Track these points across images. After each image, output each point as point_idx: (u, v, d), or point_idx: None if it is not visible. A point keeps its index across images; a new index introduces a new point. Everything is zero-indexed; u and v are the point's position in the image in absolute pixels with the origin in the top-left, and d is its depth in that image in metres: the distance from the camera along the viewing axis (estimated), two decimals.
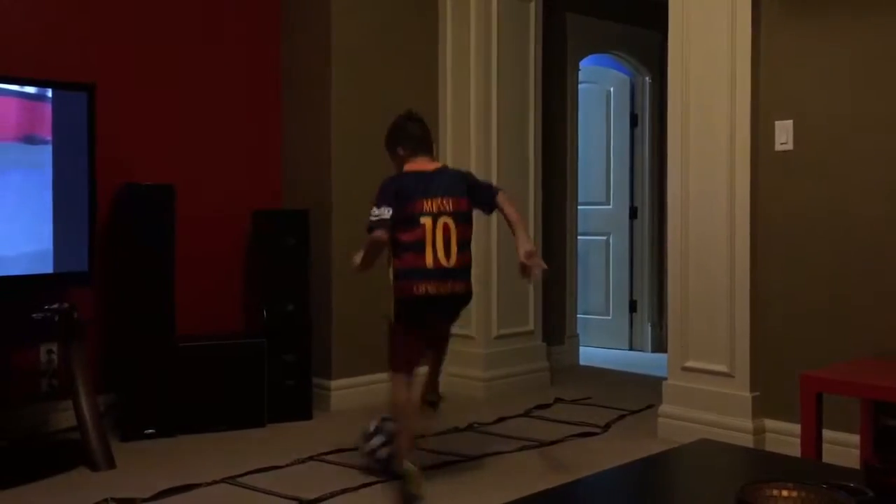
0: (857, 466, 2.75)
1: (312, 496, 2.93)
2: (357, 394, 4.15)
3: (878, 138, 3.17)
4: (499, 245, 4.42)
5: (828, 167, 3.30)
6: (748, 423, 3.42)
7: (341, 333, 4.18)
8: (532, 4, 4.73)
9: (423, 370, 3.23)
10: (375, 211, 2.92)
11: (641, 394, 4.39)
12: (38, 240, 3.35)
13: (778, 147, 3.42)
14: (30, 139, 3.34)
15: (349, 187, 4.22)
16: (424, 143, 3.11)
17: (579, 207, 5.63)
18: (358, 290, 4.12)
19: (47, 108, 3.37)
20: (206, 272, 4.12)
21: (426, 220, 2.92)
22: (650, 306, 6.02)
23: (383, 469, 3.05)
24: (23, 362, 3.54)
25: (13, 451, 3.39)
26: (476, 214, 3.12)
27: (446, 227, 2.93)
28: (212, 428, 3.74)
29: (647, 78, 6.01)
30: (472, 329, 4.45)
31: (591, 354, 5.73)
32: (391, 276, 2.97)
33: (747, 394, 3.45)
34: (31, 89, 3.35)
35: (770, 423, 3.44)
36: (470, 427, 3.83)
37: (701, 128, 3.58)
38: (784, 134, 3.41)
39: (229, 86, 4.28)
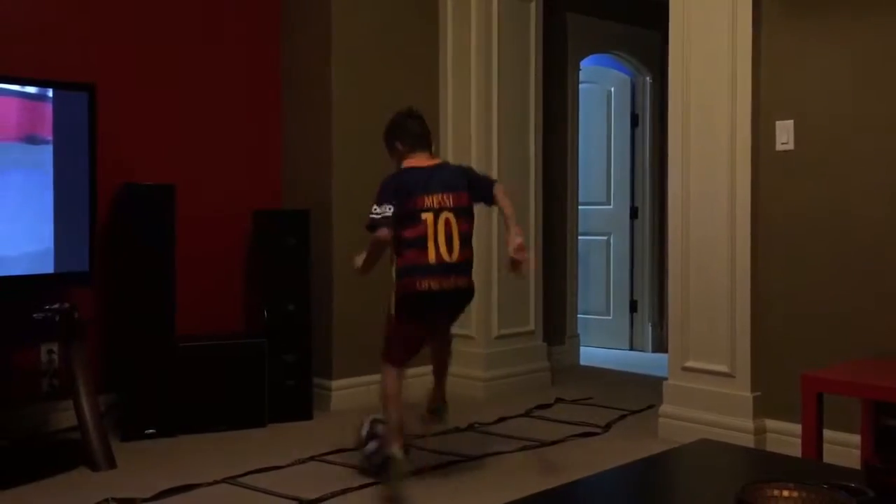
0: (858, 466, 2.75)
1: (313, 496, 2.93)
2: (358, 394, 4.15)
3: (879, 138, 3.17)
4: (499, 244, 4.41)
5: (828, 167, 3.30)
6: (749, 424, 3.42)
7: (342, 333, 4.18)
8: (533, 4, 4.73)
9: (415, 373, 3.23)
10: (377, 209, 2.93)
11: (642, 394, 4.39)
12: (38, 240, 3.35)
13: (779, 147, 3.42)
14: (31, 139, 3.34)
15: (350, 187, 4.22)
16: (424, 139, 3.11)
17: (580, 207, 5.63)
18: (359, 290, 4.12)
19: (48, 108, 3.37)
20: (206, 272, 4.12)
21: (427, 216, 2.92)
22: (651, 306, 6.02)
23: (380, 472, 3.04)
24: (23, 362, 3.55)
25: (14, 451, 3.39)
26: (477, 211, 3.12)
27: (448, 223, 2.93)
28: (212, 428, 3.74)
29: (647, 78, 6.01)
30: (472, 329, 4.45)
31: (591, 354, 5.72)
32: (394, 273, 2.97)
33: (748, 394, 3.45)
34: (31, 89, 3.35)
35: (771, 424, 3.44)
36: (471, 427, 3.83)
37: (702, 128, 3.58)
38: (785, 134, 3.40)
39: (230, 86, 4.28)
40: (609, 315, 6.10)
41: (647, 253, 6.00)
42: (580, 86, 5.63)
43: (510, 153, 4.62)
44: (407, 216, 2.92)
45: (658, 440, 3.58)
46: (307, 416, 3.97)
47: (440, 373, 3.28)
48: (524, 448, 3.52)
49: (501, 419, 3.99)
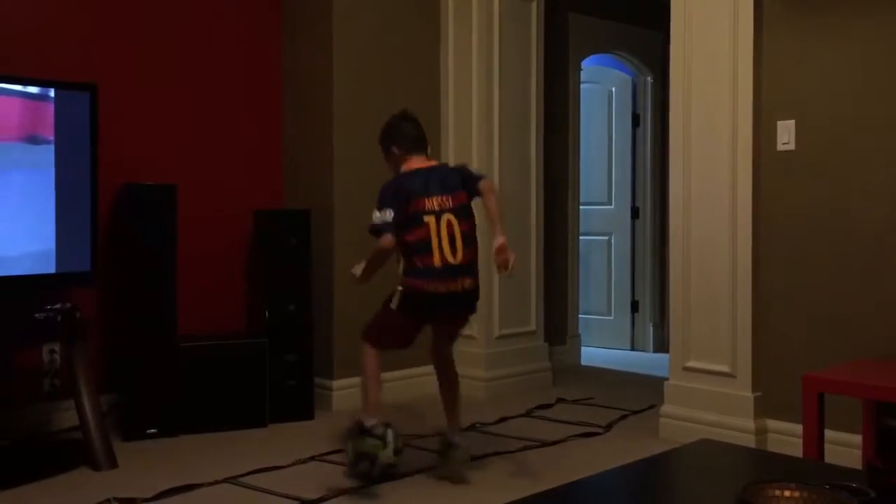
0: (860, 467, 2.75)
1: (314, 496, 2.93)
2: (359, 394, 4.14)
3: (881, 139, 3.17)
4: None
5: (830, 167, 3.30)
6: (750, 424, 3.42)
7: (343, 333, 4.18)
8: (534, 4, 4.73)
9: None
10: (377, 214, 2.93)
11: (643, 394, 4.39)
12: (40, 240, 3.35)
13: (780, 147, 3.42)
14: (32, 139, 3.34)
15: (351, 187, 4.22)
16: (419, 142, 3.11)
17: (581, 207, 5.63)
18: (360, 290, 4.09)
19: (50, 108, 3.37)
20: (207, 272, 4.12)
21: (429, 219, 2.93)
22: (652, 306, 6.02)
23: (370, 477, 3.03)
24: (25, 362, 3.55)
25: (15, 451, 3.40)
26: (478, 212, 3.12)
27: (450, 224, 2.94)
28: (213, 428, 3.74)
29: (648, 78, 6.01)
30: (473, 329, 4.45)
31: (592, 354, 5.73)
32: (400, 270, 2.97)
33: (749, 394, 3.45)
34: (33, 89, 3.35)
35: (772, 424, 3.44)
36: (472, 427, 3.83)
37: (703, 128, 3.58)
38: (786, 134, 3.40)
39: (231, 86, 4.28)
40: (610, 315, 6.11)
41: (648, 253, 6.00)
42: (581, 86, 5.63)
43: (511, 153, 4.62)
44: (409, 220, 2.92)
45: (659, 440, 3.58)
46: (308, 415, 3.97)
47: (450, 394, 3.18)
48: (525, 448, 3.52)
49: (502, 419, 3.99)
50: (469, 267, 2.98)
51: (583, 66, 5.65)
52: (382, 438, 2.91)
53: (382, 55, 4.41)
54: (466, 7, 4.54)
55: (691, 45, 3.61)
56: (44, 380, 3.63)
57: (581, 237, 5.68)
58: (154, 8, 4.03)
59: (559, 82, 5.30)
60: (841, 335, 3.24)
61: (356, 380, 4.19)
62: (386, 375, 4.08)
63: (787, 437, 3.30)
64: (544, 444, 3.58)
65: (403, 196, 2.94)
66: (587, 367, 5.44)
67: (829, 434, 2.87)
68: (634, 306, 6.05)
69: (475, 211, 3.09)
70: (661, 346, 5.76)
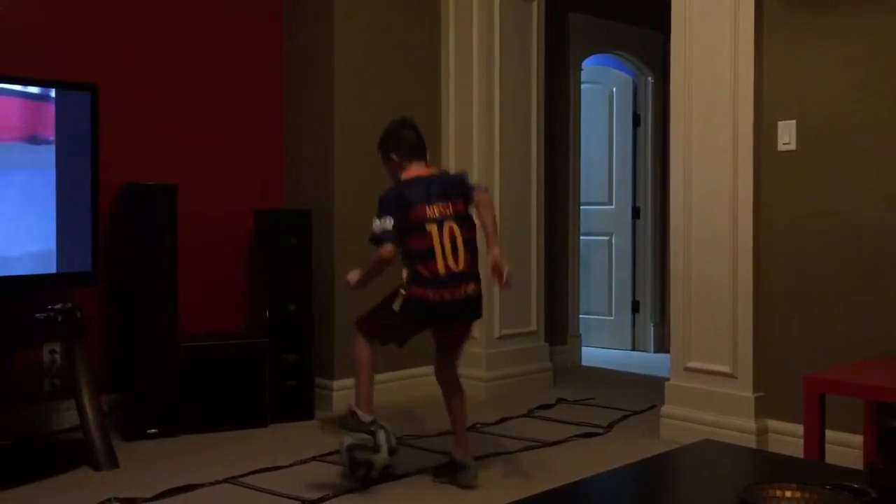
0: (861, 467, 2.75)
1: (315, 496, 2.93)
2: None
3: (882, 139, 3.17)
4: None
5: (831, 167, 3.29)
6: (751, 424, 3.42)
7: (343, 333, 4.17)
8: (535, 4, 4.73)
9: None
10: (377, 222, 2.92)
11: (644, 394, 4.39)
12: (41, 240, 3.35)
13: (781, 147, 3.42)
14: (33, 139, 3.34)
15: (351, 187, 4.22)
16: (419, 148, 3.10)
17: (582, 207, 5.63)
18: (360, 291, 4.11)
19: (51, 108, 3.37)
20: (208, 272, 4.12)
21: (431, 227, 2.92)
22: (652, 306, 6.02)
23: (366, 478, 3.04)
24: (26, 362, 3.55)
25: (16, 451, 3.40)
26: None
27: (452, 232, 2.94)
28: (214, 428, 3.74)
29: (649, 78, 6.01)
30: (474, 329, 4.42)
31: (593, 355, 5.72)
32: (404, 279, 2.96)
33: (750, 394, 3.45)
34: (34, 89, 3.35)
35: (773, 424, 3.44)
36: (473, 427, 3.82)
37: (703, 128, 3.58)
38: (787, 134, 3.40)
39: (232, 86, 4.28)
40: (611, 315, 6.11)
41: (648, 253, 6.00)
42: (582, 86, 5.63)
43: (512, 153, 4.62)
44: (411, 228, 2.92)
45: (660, 441, 3.58)
46: (309, 416, 3.97)
47: (457, 412, 3.14)
48: (526, 448, 3.52)
49: (503, 419, 3.99)
50: (471, 273, 2.99)
51: (583, 66, 5.65)
52: (375, 443, 2.94)
53: (383, 55, 4.41)
54: (467, 7, 4.54)
55: (692, 45, 3.61)
56: (44, 380, 3.63)
57: (582, 237, 5.68)
58: (155, 9, 4.03)
59: (560, 82, 5.30)
60: (842, 335, 3.24)
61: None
62: (385, 376, 4.11)
63: (787, 438, 3.30)
64: (545, 445, 3.58)
65: (404, 204, 2.93)
66: (588, 368, 5.44)
67: (829, 434, 2.88)
68: (635, 306, 6.05)
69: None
70: (662, 346, 5.76)
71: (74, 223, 3.42)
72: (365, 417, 2.99)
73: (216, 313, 4.15)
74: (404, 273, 2.96)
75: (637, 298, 6.05)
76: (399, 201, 2.94)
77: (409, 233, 2.92)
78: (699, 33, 3.59)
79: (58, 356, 3.63)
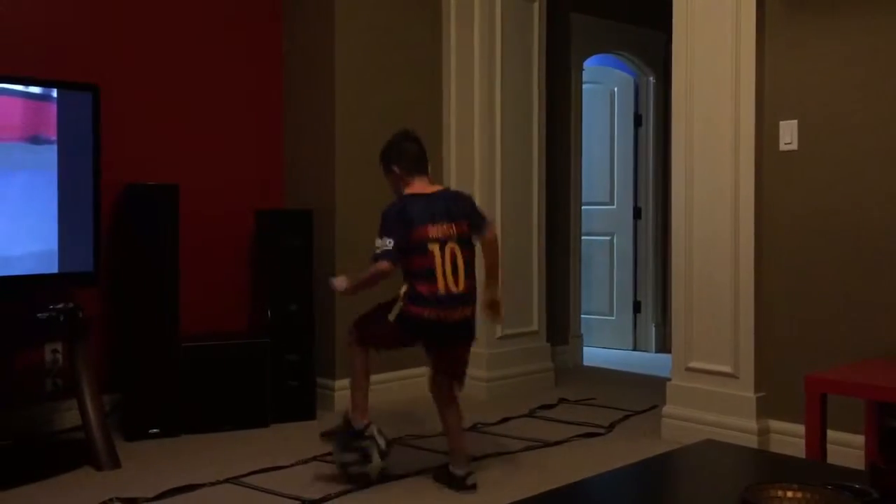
0: (862, 467, 2.75)
1: (316, 496, 2.93)
2: None
3: (883, 138, 3.17)
4: (503, 245, 4.40)
5: (831, 167, 3.29)
6: (752, 424, 3.41)
7: (344, 333, 4.16)
8: (536, 4, 4.73)
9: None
10: (378, 242, 2.91)
11: (645, 394, 4.39)
12: (43, 240, 3.35)
13: (782, 147, 3.42)
14: (35, 139, 3.35)
15: (352, 187, 4.23)
16: (421, 162, 3.09)
17: (583, 207, 5.63)
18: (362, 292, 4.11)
19: (52, 109, 3.38)
20: (209, 272, 4.13)
21: (434, 247, 2.91)
22: (654, 307, 6.02)
23: (361, 479, 3.05)
24: (27, 362, 3.55)
25: (18, 451, 3.40)
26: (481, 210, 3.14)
27: (453, 253, 2.94)
28: (216, 428, 3.74)
29: (650, 78, 6.01)
30: (475, 329, 4.44)
31: (594, 355, 5.72)
32: (402, 295, 2.95)
33: (751, 394, 3.45)
34: (36, 89, 3.36)
35: (774, 424, 3.43)
36: (474, 427, 3.83)
37: (705, 128, 3.58)
38: (788, 134, 3.40)
39: (233, 86, 4.29)
40: (612, 315, 6.10)
41: (650, 253, 6.00)
42: (583, 86, 5.63)
43: (513, 153, 4.62)
44: (414, 247, 2.91)
45: (661, 441, 3.58)
46: (310, 416, 3.97)
47: (453, 424, 3.09)
48: (527, 448, 3.52)
49: (505, 419, 3.99)
50: (470, 295, 2.99)
51: (585, 66, 5.65)
52: (365, 453, 2.96)
53: (384, 55, 4.41)
54: (468, 7, 4.54)
55: (693, 45, 3.61)
56: (46, 379, 3.63)
57: (583, 237, 5.68)
58: (156, 9, 4.03)
59: (561, 82, 5.30)
60: (843, 335, 3.24)
61: None
62: (385, 376, 4.12)
63: (789, 438, 3.30)
64: (546, 445, 3.58)
65: (407, 222, 2.92)
66: (589, 368, 5.44)
67: (831, 434, 2.87)
68: (636, 306, 6.05)
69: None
70: (664, 346, 5.76)
71: (76, 223, 3.42)
72: (358, 424, 3.01)
73: (217, 313, 4.15)
74: (403, 288, 2.95)
75: (638, 298, 6.05)
76: (401, 218, 2.93)
77: (412, 252, 2.91)
78: (701, 33, 3.59)
79: (59, 356, 3.63)
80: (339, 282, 3.07)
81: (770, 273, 3.45)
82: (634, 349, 6.02)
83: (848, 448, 3.04)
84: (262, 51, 4.39)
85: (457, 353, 3.10)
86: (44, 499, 2.95)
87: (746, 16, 3.45)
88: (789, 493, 1.53)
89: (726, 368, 3.51)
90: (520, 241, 4.63)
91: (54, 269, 3.38)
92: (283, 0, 4.45)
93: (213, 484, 3.07)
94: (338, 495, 2.95)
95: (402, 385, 4.27)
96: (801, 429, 2.96)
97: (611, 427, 3.88)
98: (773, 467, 2.22)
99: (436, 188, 3.13)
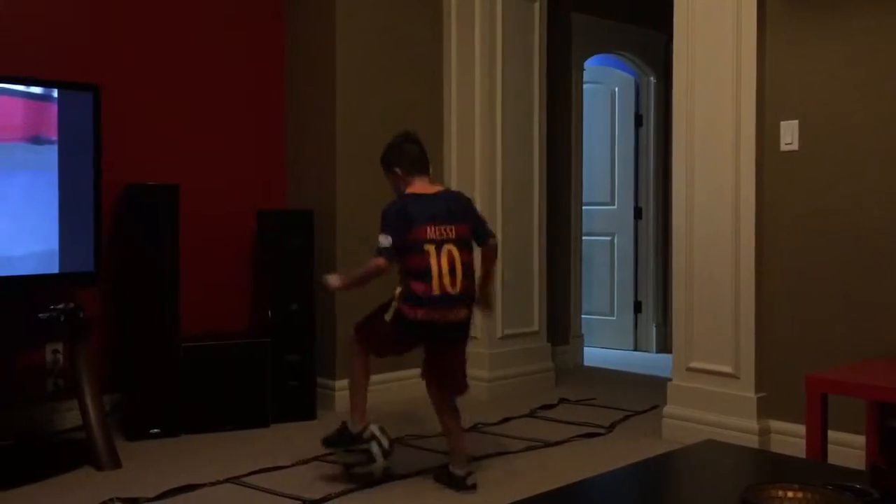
0: (863, 468, 2.75)
1: (316, 496, 2.93)
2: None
3: (883, 138, 3.17)
4: (503, 245, 4.41)
5: (832, 167, 3.29)
6: (753, 424, 3.41)
7: (345, 334, 4.16)
8: (537, 4, 4.73)
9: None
10: (381, 238, 2.92)
11: (646, 394, 4.39)
12: (44, 240, 3.36)
13: (783, 147, 3.42)
14: (36, 139, 3.35)
15: (353, 187, 4.23)
16: (422, 163, 3.10)
17: (584, 208, 5.63)
18: (362, 292, 4.10)
19: (53, 109, 3.38)
20: (210, 272, 4.13)
21: (430, 248, 2.91)
22: (655, 307, 6.01)
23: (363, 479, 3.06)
24: (28, 362, 3.55)
25: (19, 451, 3.40)
26: (481, 209, 3.14)
27: (451, 254, 2.94)
28: (216, 428, 3.74)
29: (651, 78, 6.01)
30: (476, 329, 4.43)
31: (595, 355, 5.72)
32: (397, 295, 2.95)
33: (752, 395, 3.45)
34: (37, 90, 3.36)
35: (775, 424, 3.43)
36: (474, 427, 3.83)
37: (706, 128, 3.58)
38: (789, 134, 3.40)
39: (234, 86, 4.29)
40: (613, 315, 6.10)
41: (651, 253, 6.00)
42: (584, 86, 5.63)
43: (514, 153, 4.61)
44: (410, 246, 2.91)
45: (662, 441, 3.58)
46: (310, 416, 3.97)
47: (452, 425, 3.08)
48: (528, 448, 3.52)
49: (505, 419, 3.99)
50: (466, 297, 2.99)
51: (585, 67, 5.65)
52: (369, 455, 2.97)
53: (385, 54, 4.41)
54: (469, 7, 4.54)
55: (694, 46, 3.61)
56: (47, 380, 3.64)
57: (584, 237, 5.68)
58: (157, 9, 4.04)
59: (562, 82, 5.30)
60: (844, 336, 3.23)
61: None
62: (386, 376, 4.12)
63: (790, 438, 3.30)
64: (547, 445, 3.58)
65: (407, 221, 2.93)
66: (590, 368, 5.44)
67: (832, 435, 2.87)
68: (637, 307, 6.05)
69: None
70: (664, 346, 5.75)
71: (77, 223, 3.42)
72: (355, 428, 3.01)
73: (218, 313, 4.15)
74: (398, 290, 2.96)
75: (639, 299, 6.05)
76: (401, 217, 2.94)
77: (408, 251, 2.92)
78: (701, 33, 3.59)
79: (60, 356, 3.63)
80: (333, 279, 3.07)
81: (771, 273, 3.45)
82: (635, 349, 6.02)
83: (849, 448, 3.03)
84: (263, 50, 4.40)
85: (452, 354, 3.09)
86: (44, 499, 2.95)
87: (747, 16, 3.44)
88: (790, 494, 1.53)
89: (727, 368, 3.51)
90: (520, 242, 4.63)
91: (55, 270, 3.38)
92: (284, 1, 4.44)
93: (213, 484, 3.07)
94: (338, 495, 2.95)
95: (401, 386, 4.26)
96: (801, 429, 2.96)
97: (611, 427, 3.88)
98: (774, 467, 2.22)
99: (437, 188, 3.13)
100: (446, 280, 2.91)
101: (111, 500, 2.88)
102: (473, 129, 4.53)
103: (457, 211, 3.03)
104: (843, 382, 2.80)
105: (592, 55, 5.72)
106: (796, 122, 3.38)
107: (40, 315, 3.25)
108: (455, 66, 4.61)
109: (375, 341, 3.06)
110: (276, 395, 3.89)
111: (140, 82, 3.97)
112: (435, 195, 3.05)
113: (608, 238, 6.10)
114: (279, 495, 2.96)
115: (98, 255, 3.48)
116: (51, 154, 3.36)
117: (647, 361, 5.60)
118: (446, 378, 3.09)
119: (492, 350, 4.51)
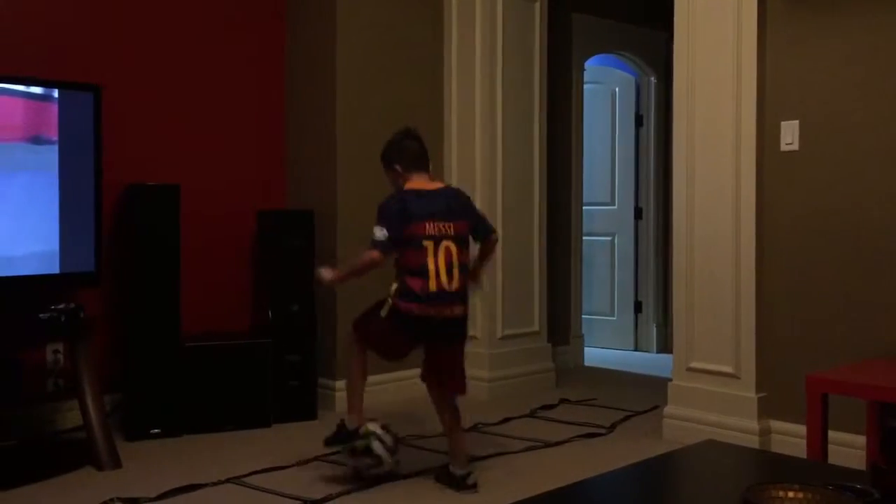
0: (864, 468, 2.75)
1: (317, 496, 2.93)
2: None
3: (883, 137, 3.17)
4: (504, 245, 4.42)
5: (832, 167, 3.29)
6: (754, 424, 3.41)
7: (346, 334, 4.17)
8: (537, 4, 4.73)
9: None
10: (376, 230, 2.92)
11: (646, 395, 4.39)
12: (44, 240, 3.36)
13: (783, 147, 3.42)
14: (36, 139, 3.35)
15: (354, 187, 4.23)
16: (422, 159, 3.10)
17: (584, 208, 5.63)
18: (362, 291, 4.10)
19: (54, 109, 3.38)
20: (211, 272, 4.13)
21: (428, 244, 2.91)
22: (655, 307, 6.01)
23: (366, 477, 3.07)
24: (29, 362, 3.55)
25: (19, 451, 3.41)
26: (481, 209, 3.15)
27: (448, 251, 2.94)
28: (217, 428, 3.75)
29: (652, 78, 6.00)
30: (476, 329, 4.44)
31: (595, 355, 5.72)
32: (392, 291, 2.95)
33: (753, 395, 3.45)
34: (37, 90, 3.36)
35: (775, 425, 3.43)
36: (475, 427, 3.83)
37: (706, 128, 3.58)
38: (790, 134, 3.40)
39: (234, 86, 4.29)
40: (613, 316, 6.10)
41: (651, 253, 6.00)
42: (584, 86, 5.63)
43: (514, 153, 4.62)
44: (408, 241, 2.91)
45: (662, 441, 3.58)
46: (311, 416, 3.97)
47: (452, 424, 3.07)
48: (529, 448, 3.52)
49: (506, 419, 4.00)
50: (462, 294, 2.99)
51: (586, 66, 5.65)
52: (374, 455, 2.97)
53: (385, 53, 4.41)
54: (469, 6, 4.54)
55: (694, 46, 3.61)
56: (48, 380, 3.64)
57: (584, 237, 5.67)
58: (157, 9, 4.04)
59: (562, 82, 5.29)
60: (845, 336, 3.23)
61: None
62: (385, 377, 4.12)
63: (790, 438, 3.30)
64: (547, 445, 3.58)
65: (406, 216, 2.92)
66: (590, 368, 5.44)
67: (832, 435, 2.87)
68: (638, 307, 6.05)
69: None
70: (665, 346, 5.75)
71: (77, 223, 3.42)
72: (350, 425, 3.02)
73: (219, 313, 4.15)
74: (393, 286, 2.95)
75: (639, 299, 6.05)
76: (400, 212, 2.93)
77: (406, 246, 2.92)
78: (702, 33, 3.59)
79: (61, 356, 3.64)
80: (326, 272, 3.07)
81: (771, 273, 3.45)
82: (635, 349, 6.02)
83: (849, 448, 3.04)
84: (264, 49, 4.40)
85: (450, 352, 3.08)
86: (45, 499, 2.95)
87: (748, 15, 3.44)
88: (790, 494, 1.53)
89: (727, 369, 3.51)
90: (521, 242, 4.63)
91: (56, 270, 3.38)
92: (286, 2, 4.45)
93: (214, 484, 3.07)
94: (339, 495, 2.95)
95: (401, 386, 4.26)
96: (802, 429, 2.96)
97: (612, 427, 3.88)
98: (775, 467, 2.22)
99: (437, 185, 3.13)
100: (443, 277, 2.92)
101: (112, 500, 2.88)
102: (474, 129, 4.53)
103: (456, 208, 3.03)
104: (844, 382, 2.80)
105: (593, 55, 5.72)
106: (797, 122, 3.38)
107: (41, 315, 3.26)
108: (455, 66, 4.61)
109: (374, 339, 3.06)
110: (277, 395, 3.89)
111: (140, 82, 3.97)
112: (435, 192, 3.05)
113: (608, 238, 6.10)
114: (280, 495, 2.96)
115: (99, 256, 3.48)
116: (51, 154, 3.37)
117: (648, 361, 5.60)
118: (446, 377, 3.09)
119: (492, 350, 4.51)
